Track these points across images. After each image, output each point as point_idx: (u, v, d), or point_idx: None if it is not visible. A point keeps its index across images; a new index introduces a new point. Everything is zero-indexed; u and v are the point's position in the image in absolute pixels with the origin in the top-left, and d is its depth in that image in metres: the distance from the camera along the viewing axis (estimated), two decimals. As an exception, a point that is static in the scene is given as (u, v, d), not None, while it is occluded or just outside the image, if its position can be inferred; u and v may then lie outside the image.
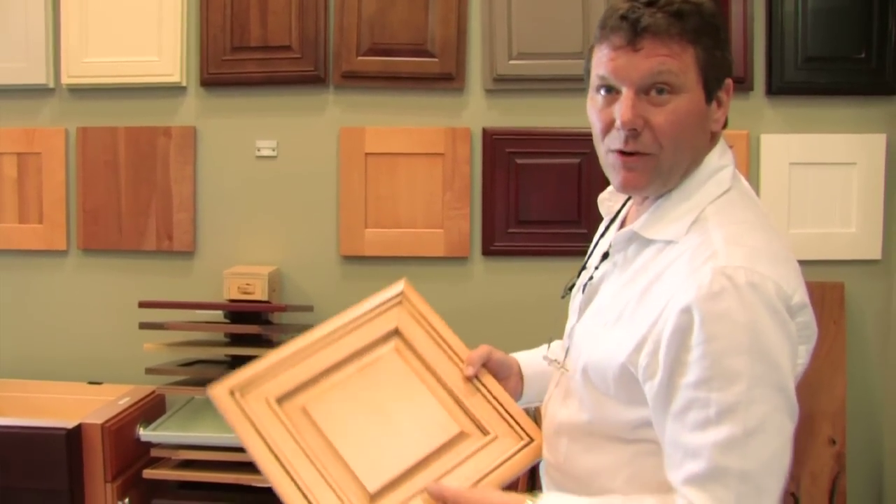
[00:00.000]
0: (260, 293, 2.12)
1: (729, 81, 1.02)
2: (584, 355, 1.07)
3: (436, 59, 2.20)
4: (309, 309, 2.19)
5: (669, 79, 0.96)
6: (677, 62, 0.96)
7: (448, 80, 2.21)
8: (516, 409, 1.22)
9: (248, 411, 1.13)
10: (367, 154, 2.21)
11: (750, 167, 2.22)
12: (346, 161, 2.22)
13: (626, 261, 1.07)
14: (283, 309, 2.05)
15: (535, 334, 1.34)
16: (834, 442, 2.19)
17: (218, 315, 2.10)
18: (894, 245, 2.24)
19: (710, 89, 0.99)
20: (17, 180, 2.32)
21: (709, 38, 0.98)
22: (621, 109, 0.97)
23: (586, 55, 1.06)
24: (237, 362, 2.02)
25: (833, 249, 2.24)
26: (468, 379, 1.20)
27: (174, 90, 2.28)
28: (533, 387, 1.27)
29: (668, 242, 1.01)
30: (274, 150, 2.26)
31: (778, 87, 2.22)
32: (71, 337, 2.31)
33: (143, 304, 2.01)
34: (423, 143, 2.21)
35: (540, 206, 2.22)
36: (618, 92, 0.99)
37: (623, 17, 0.96)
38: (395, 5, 2.20)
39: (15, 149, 2.31)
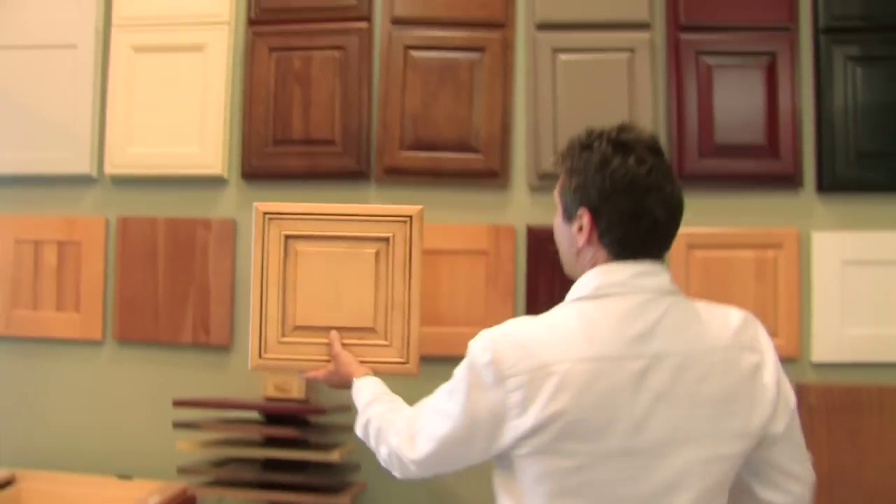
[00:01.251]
0: (297, 391, 2.07)
1: (581, 211, 1.25)
2: None
3: (480, 156, 2.18)
4: (346, 409, 2.13)
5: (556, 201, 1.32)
6: (556, 190, 1.31)
7: (492, 176, 2.18)
8: (416, 341, 1.75)
9: (266, 232, 1.74)
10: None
11: (801, 266, 2.15)
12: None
13: None
14: (322, 412, 2.00)
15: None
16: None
17: (254, 413, 2.05)
18: (956, 349, 2.14)
19: (567, 212, 1.28)
20: (56, 268, 2.31)
21: (565, 174, 1.28)
22: None
23: None
24: (272, 464, 1.97)
25: (891, 351, 2.14)
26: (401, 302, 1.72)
27: (215, 182, 2.28)
28: None
29: None
30: (314, 243, 2.23)
31: (829, 184, 2.15)
32: (102, 429, 2.27)
33: (177, 404, 1.96)
34: (466, 241, 2.17)
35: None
36: None
37: None
38: (438, 100, 2.19)
39: (56, 237, 2.31)
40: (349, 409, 2.13)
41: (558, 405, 1.14)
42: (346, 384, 1.66)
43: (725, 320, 1.24)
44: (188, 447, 1.96)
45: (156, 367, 2.27)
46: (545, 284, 2.16)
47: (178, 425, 1.95)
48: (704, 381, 1.17)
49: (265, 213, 1.74)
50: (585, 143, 1.27)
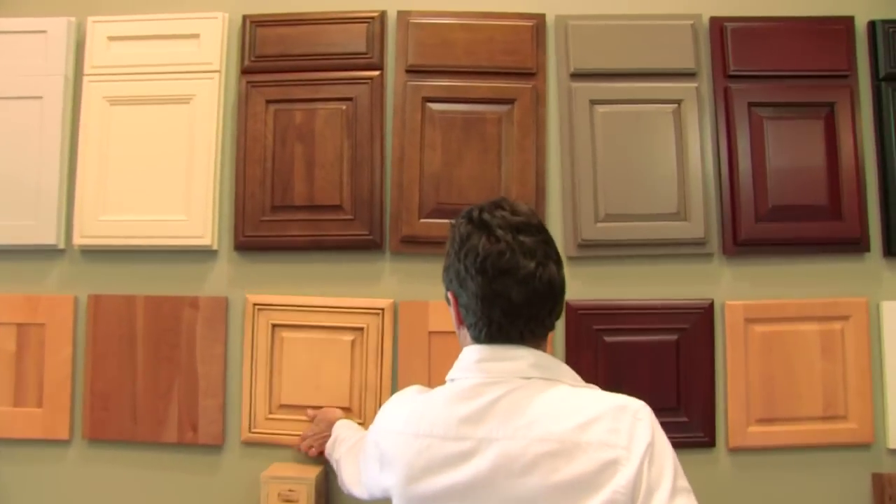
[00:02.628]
0: (306, 501, 1.76)
1: (449, 293, 1.27)
2: None
3: (510, 222, 1.91)
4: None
5: None
6: None
7: (524, 244, 1.91)
8: None
9: (256, 321, 1.92)
10: (430, 333, 1.89)
11: (871, 337, 1.92)
12: (405, 339, 1.90)
13: None
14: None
15: None
16: None
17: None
18: None
19: (446, 292, 1.29)
20: (15, 355, 1.98)
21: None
22: None
23: None
24: None
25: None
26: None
27: (204, 254, 1.98)
28: None
29: None
30: (319, 325, 1.94)
31: (898, 248, 1.94)
32: (70, 544, 1.93)
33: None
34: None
35: (632, 391, 1.88)
36: None
37: None
38: (462, 161, 1.92)
39: (15, 318, 1.98)
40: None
41: (394, 470, 1.24)
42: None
43: (578, 411, 1.15)
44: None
45: (134, 471, 1.93)
46: (588, 366, 1.89)
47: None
48: (527, 473, 1.12)
49: (255, 304, 1.93)
50: (453, 223, 1.29)
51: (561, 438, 1.12)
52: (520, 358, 1.20)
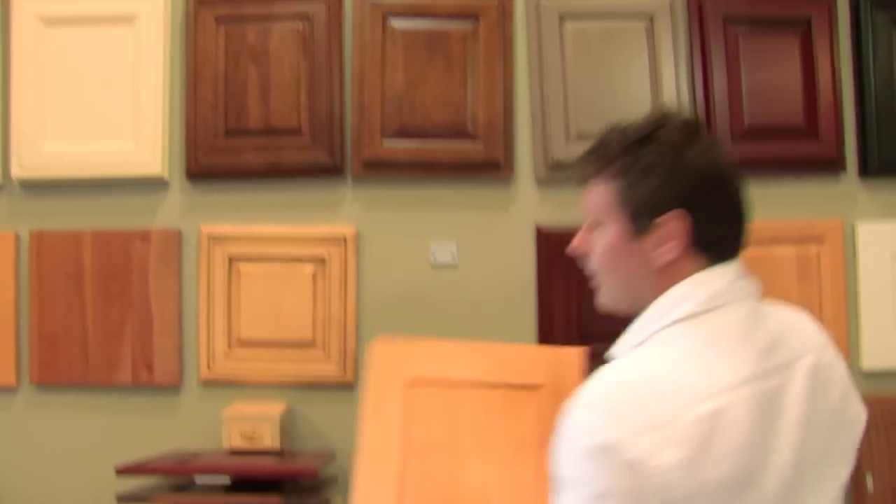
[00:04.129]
0: (269, 439, 1.69)
1: (668, 216, 1.01)
2: None
3: (478, 144, 1.82)
4: (332, 458, 1.75)
5: (595, 216, 1.07)
6: (598, 201, 1.06)
7: (493, 168, 1.83)
8: (352, 353, 1.79)
9: (211, 254, 1.83)
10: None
11: (846, 260, 1.89)
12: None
13: None
14: (314, 474, 1.58)
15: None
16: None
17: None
18: None
19: (639, 223, 1.03)
20: (-47, 298, 1.86)
21: (627, 177, 1.04)
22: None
23: None
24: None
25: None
26: None
27: (154, 185, 1.87)
28: None
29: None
30: (280, 256, 1.86)
31: (874, 168, 1.91)
32: (19, 495, 1.84)
33: (121, 472, 1.54)
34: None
35: (607, 321, 1.81)
36: None
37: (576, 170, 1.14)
38: (427, 81, 1.82)
39: (-49, 259, 1.86)
40: (334, 456, 1.78)
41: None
42: None
43: (803, 317, 1.09)
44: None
45: (87, 415, 1.84)
46: (559, 295, 1.83)
47: (124, 500, 1.54)
48: (829, 387, 1.01)
49: (210, 236, 1.83)
50: (645, 136, 1.06)
51: (825, 344, 1.05)
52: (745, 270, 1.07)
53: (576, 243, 1.11)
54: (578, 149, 1.79)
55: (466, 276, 1.84)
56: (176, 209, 1.87)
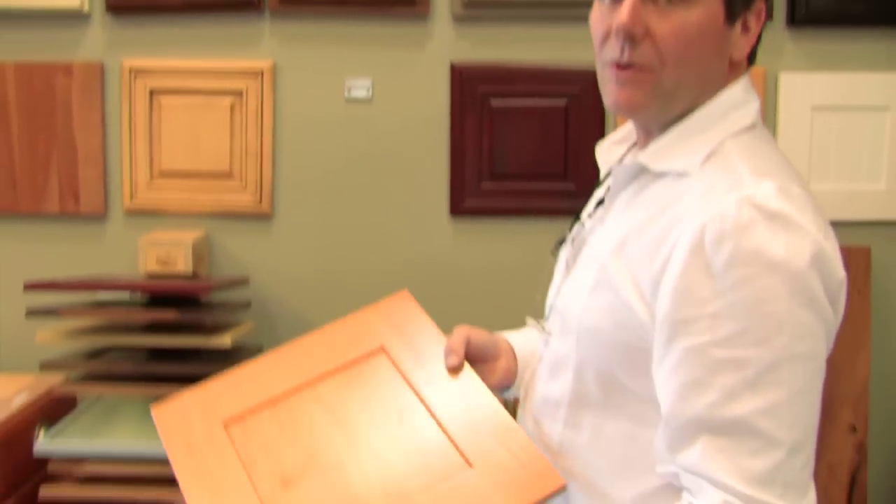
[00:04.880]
0: (183, 264, 1.75)
1: (761, 5, 0.87)
2: (576, 315, 0.90)
3: (394, -22, 1.82)
4: (243, 283, 1.83)
5: None
6: None
7: (408, 4, 1.82)
8: (268, 185, 1.84)
9: (133, 87, 1.87)
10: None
11: (766, 110, 1.89)
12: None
13: (627, 203, 0.90)
14: (208, 289, 1.67)
15: (511, 308, 1.21)
16: (855, 430, 1.91)
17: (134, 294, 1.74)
18: (932, 203, 1.93)
19: (734, 7, 0.85)
20: None
21: None
22: (620, 12, 0.83)
23: None
24: (157, 354, 1.66)
25: (858, 208, 1.92)
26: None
27: (75, 17, 1.87)
28: (529, 368, 1.06)
29: (680, 176, 0.85)
30: (202, 89, 1.88)
31: (801, 17, 1.88)
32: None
33: (29, 287, 1.62)
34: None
35: (519, 157, 1.86)
36: None
37: None
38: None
39: None
40: (246, 282, 1.85)
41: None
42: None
43: None
44: (52, 337, 1.63)
45: (14, 243, 1.91)
46: (472, 133, 1.86)
47: (33, 312, 1.62)
48: None
49: (131, 70, 1.86)
50: None
51: None
52: None
53: (629, 18, 0.82)
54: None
55: (381, 111, 1.87)
56: (98, 43, 1.88)
